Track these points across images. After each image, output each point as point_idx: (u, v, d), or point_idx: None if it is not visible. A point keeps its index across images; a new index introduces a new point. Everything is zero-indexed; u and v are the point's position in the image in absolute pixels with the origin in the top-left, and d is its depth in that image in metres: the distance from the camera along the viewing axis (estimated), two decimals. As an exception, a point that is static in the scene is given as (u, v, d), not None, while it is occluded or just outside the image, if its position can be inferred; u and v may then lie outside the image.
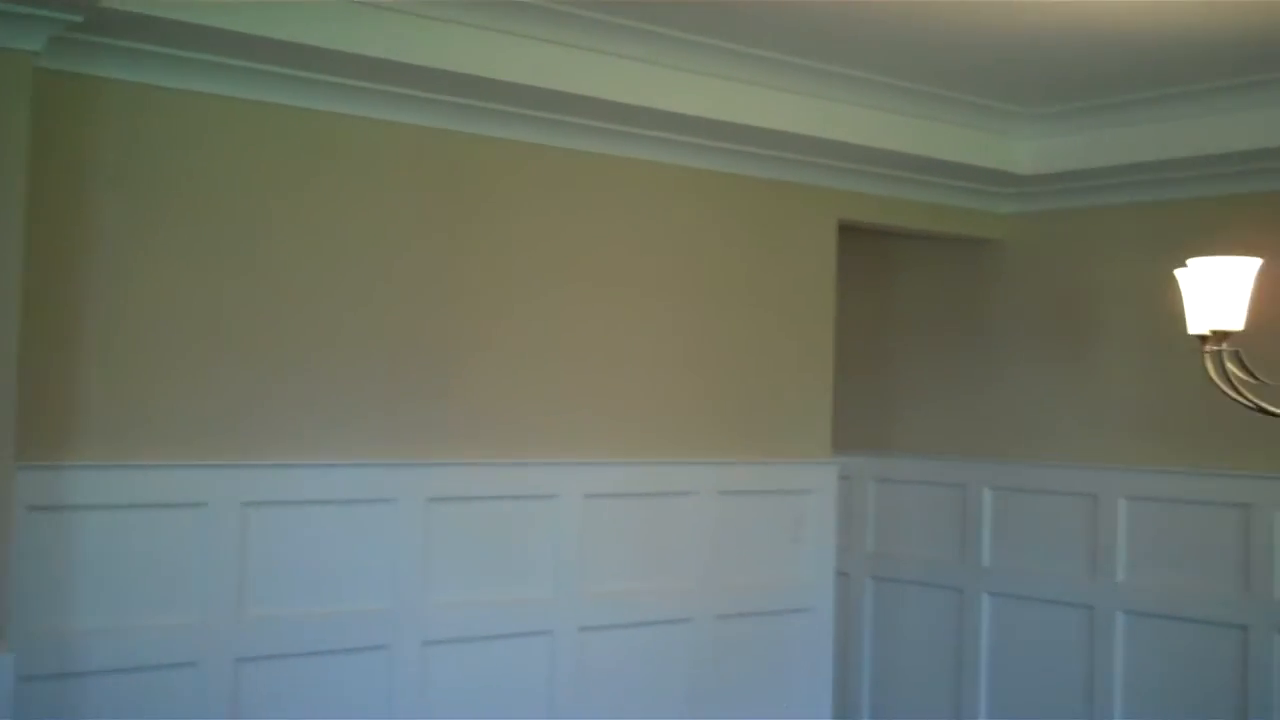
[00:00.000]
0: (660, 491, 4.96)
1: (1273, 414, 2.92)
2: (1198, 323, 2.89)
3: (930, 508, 6.22)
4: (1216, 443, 5.22)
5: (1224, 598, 5.24)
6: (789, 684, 5.31)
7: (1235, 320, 2.83)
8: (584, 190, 4.78)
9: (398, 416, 4.35)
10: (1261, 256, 2.92)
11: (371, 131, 4.30)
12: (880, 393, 6.42)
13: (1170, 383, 5.23)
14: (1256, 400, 2.93)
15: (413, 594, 4.36)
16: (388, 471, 4.32)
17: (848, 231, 5.62)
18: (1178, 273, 2.92)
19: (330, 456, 4.21)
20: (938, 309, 6.26)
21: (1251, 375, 2.92)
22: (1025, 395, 5.92)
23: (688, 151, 4.94)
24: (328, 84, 4.10)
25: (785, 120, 4.83)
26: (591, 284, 4.80)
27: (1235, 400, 2.94)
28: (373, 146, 4.31)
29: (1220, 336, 2.86)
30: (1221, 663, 5.24)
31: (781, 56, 4.57)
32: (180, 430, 3.96)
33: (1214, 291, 2.82)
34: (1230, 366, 2.90)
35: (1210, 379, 2.93)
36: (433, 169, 4.44)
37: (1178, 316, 2.90)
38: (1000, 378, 6.01)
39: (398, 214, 4.37)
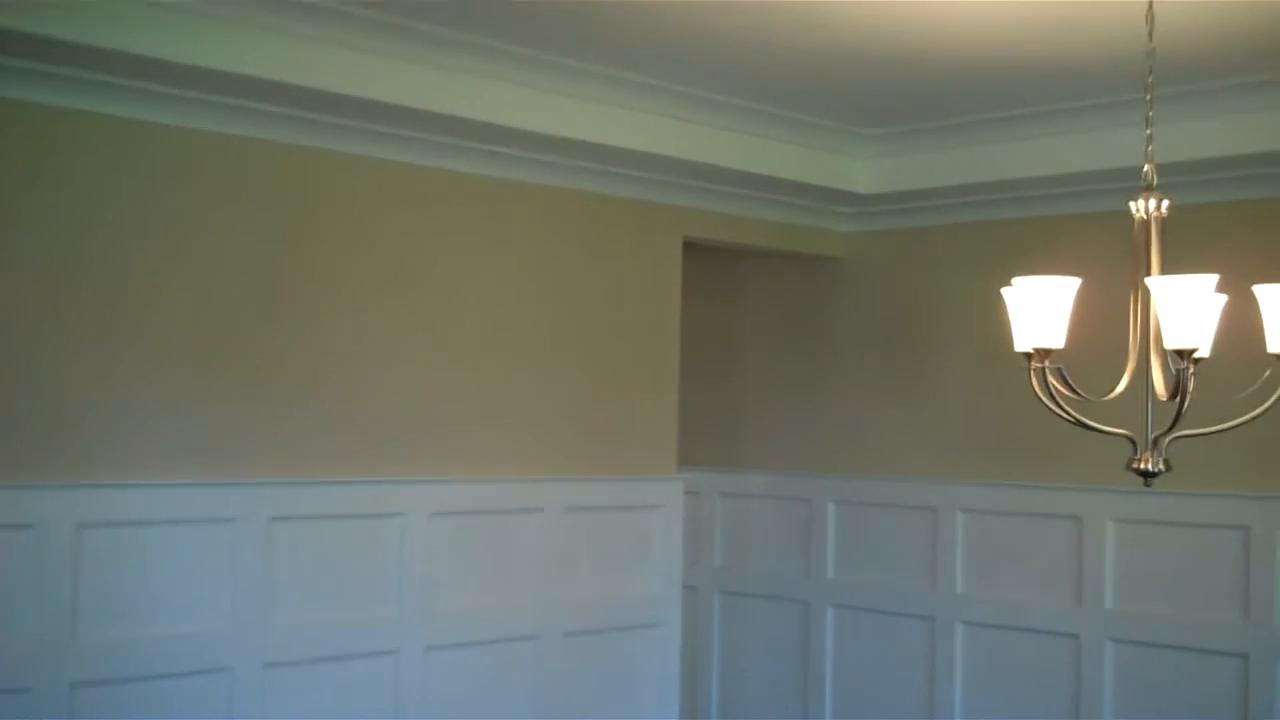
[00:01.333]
0: (507, 509, 4.95)
1: (1092, 428, 3.03)
2: (1023, 340, 2.98)
3: (776, 522, 6.31)
4: (1048, 456, 5.38)
5: (1058, 609, 5.40)
6: (637, 700, 5.33)
7: (1057, 338, 2.93)
8: (431, 206, 4.76)
9: (237, 433, 4.28)
10: (1087, 274, 3.03)
11: (217, 145, 4.22)
12: (727, 408, 6.50)
13: (1004, 398, 5.37)
14: (1077, 415, 3.03)
15: (254, 615, 4.29)
16: (227, 491, 4.25)
17: (695, 248, 5.69)
18: (1003, 291, 3.01)
19: (167, 475, 4.13)
20: (783, 326, 6.36)
21: (1074, 391, 3.02)
22: (868, 410, 6.04)
23: (535, 168, 4.95)
24: (164, 95, 4.03)
25: (632, 138, 4.86)
26: (438, 300, 4.78)
27: (1058, 415, 3.04)
28: (218, 159, 4.24)
29: (1043, 353, 2.95)
30: (1055, 669, 5.39)
31: (629, 75, 4.61)
32: (3, 448, 3.85)
33: (1037, 310, 2.91)
34: (1053, 382, 3.00)
35: (1035, 394, 3.03)
36: (280, 183, 4.39)
37: (1009, 333, 2.99)
38: (844, 393, 6.12)
39: (239, 228, 4.31)
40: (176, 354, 4.17)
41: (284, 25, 3.91)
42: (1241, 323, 3.15)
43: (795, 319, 6.31)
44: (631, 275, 5.37)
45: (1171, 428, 2.94)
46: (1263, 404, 3.01)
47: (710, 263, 6.23)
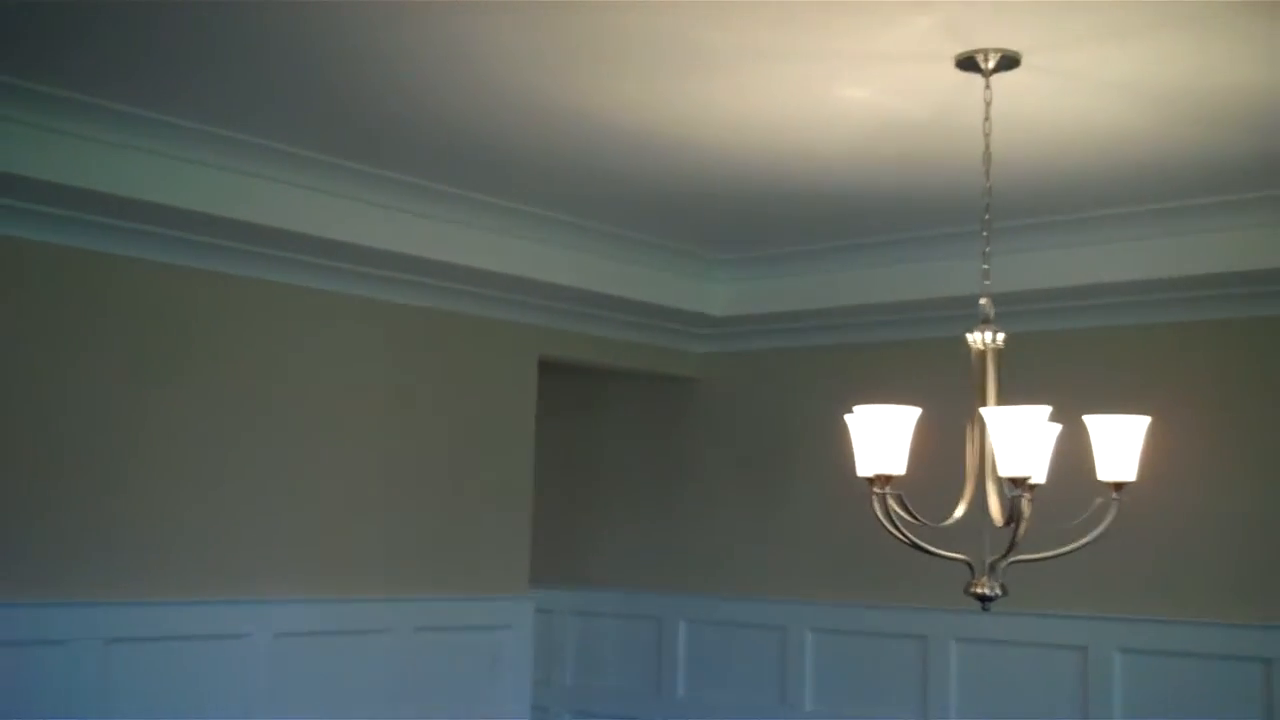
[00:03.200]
0: (354, 629, 4.87)
1: (930, 552, 3.09)
2: (864, 466, 3.05)
3: (628, 640, 6.29)
4: (895, 577, 5.47)
5: (903, 726, 5.46)
6: (484, 824, 5.24)
7: (898, 465, 3.00)
8: (278, 323, 4.72)
9: (71, 551, 4.16)
10: (929, 399, 3.12)
11: (55, 257, 4.16)
12: (580, 526, 6.50)
13: (852, 519, 5.40)
14: (915, 539, 3.10)
15: (90, 741, 4.15)
16: (58, 611, 4.11)
17: (551, 366, 5.72)
18: (846, 418, 3.08)
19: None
20: (639, 443, 6.40)
21: (914, 516, 3.09)
22: (719, 529, 6.08)
23: (387, 286, 4.96)
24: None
25: (486, 259, 4.90)
26: (286, 417, 4.72)
27: (897, 539, 3.10)
28: (52, 272, 4.17)
29: (884, 479, 3.02)
30: (902, 790, 5.44)
31: (483, 197, 4.67)
32: None
33: (878, 437, 2.99)
34: (894, 507, 3.06)
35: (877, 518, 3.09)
36: (116, 297, 4.32)
37: (854, 457, 3.05)
38: (696, 512, 6.16)
39: (74, 343, 4.22)
40: (6, 475, 4.05)
41: (123, 140, 3.89)
42: (1079, 449, 3.25)
43: (650, 437, 6.36)
44: (486, 393, 5.37)
45: (1006, 553, 3.02)
46: (1093, 530, 3.10)
47: (567, 380, 6.26)
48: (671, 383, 6.23)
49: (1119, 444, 3.09)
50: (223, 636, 4.50)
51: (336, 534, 4.84)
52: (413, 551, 5.08)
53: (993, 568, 3.08)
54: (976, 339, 3.20)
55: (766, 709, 5.82)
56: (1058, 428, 3.00)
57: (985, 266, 3.28)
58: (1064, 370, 4.81)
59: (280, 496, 4.68)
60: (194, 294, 4.50)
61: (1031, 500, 2.98)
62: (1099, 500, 3.10)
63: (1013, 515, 2.98)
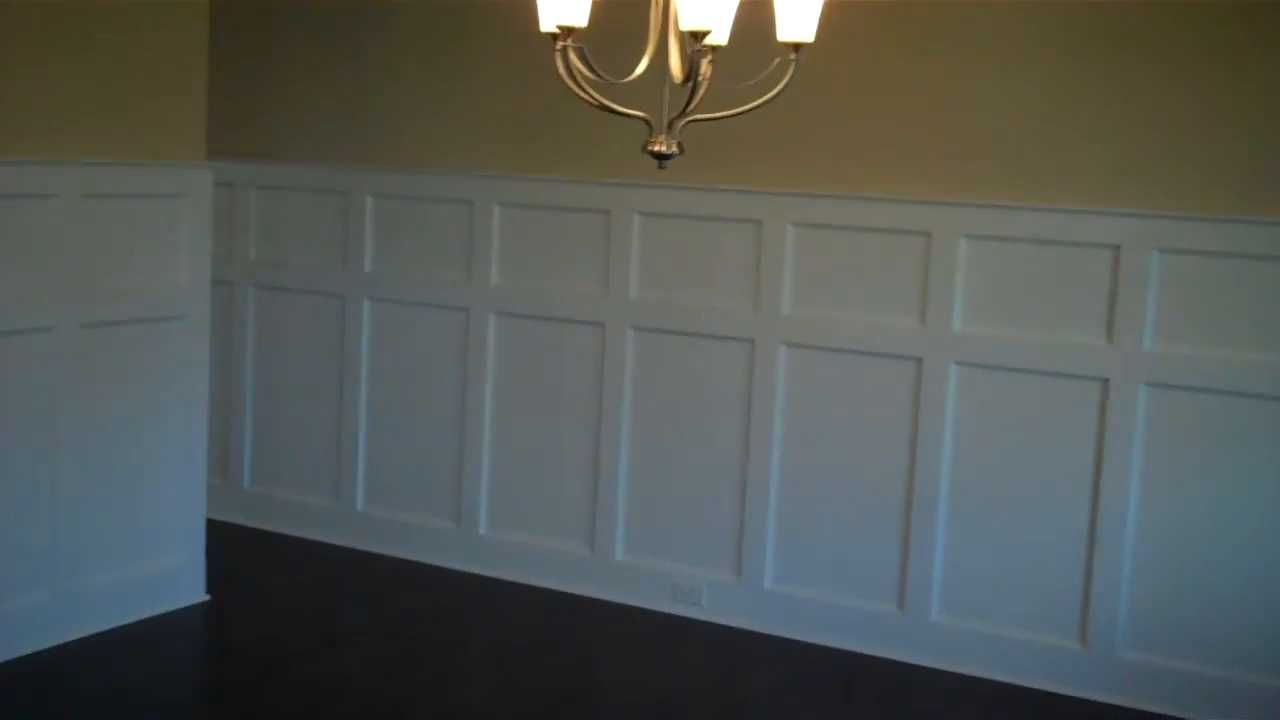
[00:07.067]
0: (17, 193, 4.61)
1: (613, 110, 3.08)
2: (547, 17, 2.97)
3: (314, 215, 6.19)
4: (580, 150, 5.51)
5: (589, 299, 5.61)
6: (165, 393, 5.21)
7: (579, 15, 2.93)
8: None
9: None
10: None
11: None
12: (264, 98, 6.25)
13: (540, 87, 5.39)
14: (600, 98, 3.08)
15: None
16: None
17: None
18: (528, -33, 2.98)
19: None
20: (321, 13, 6.12)
21: (595, 73, 3.05)
22: (406, 102, 5.95)
23: None
24: None
25: None
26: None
27: (579, 97, 3.06)
28: None
29: (566, 32, 2.95)
30: (584, 356, 5.65)
31: None
32: None
33: (561, -14, 2.90)
34: (575, 63, 3.01)
35: (559, 77, 3.04)
36: None
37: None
38: (382, 84, 6.00)
39: None
40: None
41: None
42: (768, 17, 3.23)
43: (334, 5, 6.08)
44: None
45: (684, 111, 3.03)
46: (769, 92, 3.13)
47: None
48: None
49: (799, 1, 3.07)
50: None
51: (-11, 91, 4.51)
52: (74, 110, 4.78)
53: (670, 125, 3.09)
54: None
55: (454, 284, 5.88)
56: (741, -18, 2.96)
57: None
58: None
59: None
60: None
61: (713, 62, 2.98)
62: (777, 60, 3.11)
63: (692, 72, 2.98)
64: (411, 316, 6.00)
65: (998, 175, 4.92)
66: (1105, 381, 4.79)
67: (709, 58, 2.99)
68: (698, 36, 2.88)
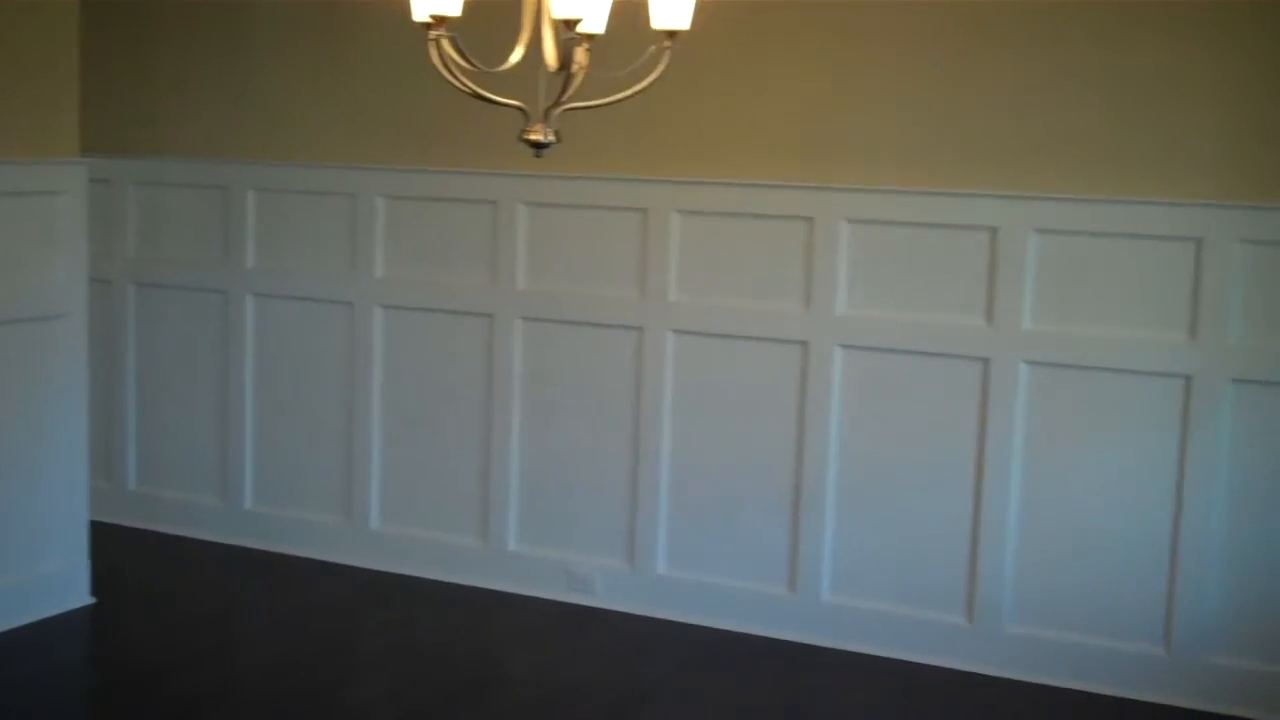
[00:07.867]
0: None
1: (487, 99, 3.06)
2: (420, 8, 2.95)
3: (194, 211, 6.10)
4: (465, 141, 5.48)
5: (476, 291, 5.59)
6: (43, 393, 5.10)
7: (452, 4, 2.91)
8: None
9: None
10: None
11: None
12: (140, 93, 6.14)
13: (417, 78, 5.33)
14: (475, 87, 3.06)
15: None
16: None
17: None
18: (400, -45, 2.96)
19: None
20: (196, 5, 6.02)
21: (469, 61, 3.03)
22: (285, 94, 5.88)
23: None
24: None
25: None
26: None
27: (454, 86, 3.05)
28: None
29: (439, 21, 2.94)
30: (472, 345, 5.62)
31: None
32: None
33: (432, -26, 2.88)
34: (450, 52, 3.00)
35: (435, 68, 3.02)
36: None
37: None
38: (260, 77, 5.92)
39: None
40: None
41: None
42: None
43: (210, -3, 6.00)
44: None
45: (559, 99, 3.03)
46: (644, 80, 3.14)
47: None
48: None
49: (674, -12, 3.07)
50: None
51: None
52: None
53: (547, 114, 3.09)
54: None
55: (338, 277, 5.83)
56: (616, -31, 2.97)
57: None
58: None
59: None
60: None
61: (590, 50, 2.98)
62: (651, 48, 3.12)
63: (566, 61, 2.98)
64: (296, 311, 5.94)
65: (878, 160, 4.98)
66: (986, 361, 4.87)
67: (584, 46, 2.99)
68: (570, 25, 2.88)
